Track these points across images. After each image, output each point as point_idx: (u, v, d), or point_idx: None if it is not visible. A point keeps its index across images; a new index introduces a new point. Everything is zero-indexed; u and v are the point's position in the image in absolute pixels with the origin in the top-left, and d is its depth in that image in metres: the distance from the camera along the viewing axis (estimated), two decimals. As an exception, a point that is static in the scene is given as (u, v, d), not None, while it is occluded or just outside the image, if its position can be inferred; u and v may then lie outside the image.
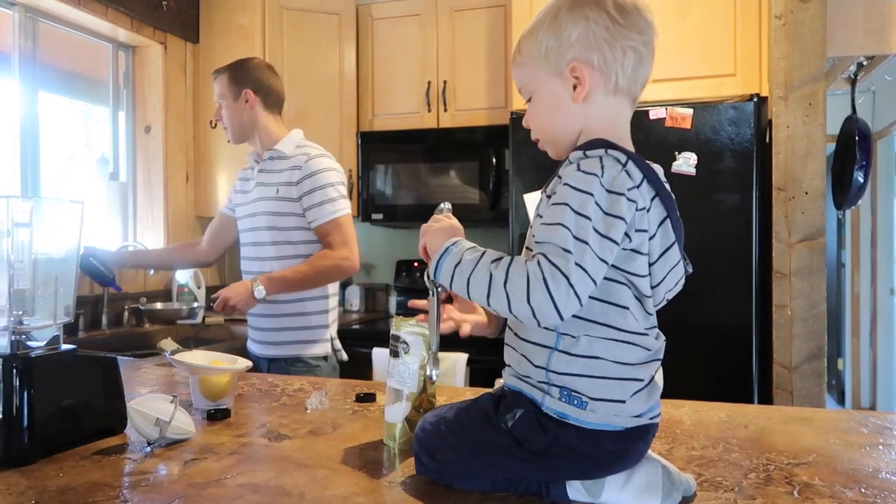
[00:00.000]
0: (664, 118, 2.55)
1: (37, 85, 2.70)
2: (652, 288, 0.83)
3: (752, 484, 0.91)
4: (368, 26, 3.37)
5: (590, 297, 0.77)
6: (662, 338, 0.86)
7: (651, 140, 2.56)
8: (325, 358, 2.11)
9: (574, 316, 0.78)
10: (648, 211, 0.79)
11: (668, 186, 0.84)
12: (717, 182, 2.51)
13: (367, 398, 1.39)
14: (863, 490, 0.89)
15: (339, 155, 3.33)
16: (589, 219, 0.75)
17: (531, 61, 0.88)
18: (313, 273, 1.99)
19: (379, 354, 2.75)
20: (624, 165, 0.79)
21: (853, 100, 2.77)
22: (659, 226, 0.81)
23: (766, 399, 2.46)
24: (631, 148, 0.86)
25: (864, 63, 2.66)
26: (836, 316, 5.13)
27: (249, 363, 1.36)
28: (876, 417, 1.27)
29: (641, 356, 0.82)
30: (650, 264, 0.81)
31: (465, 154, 3.16)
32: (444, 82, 3.23)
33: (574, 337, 0.80)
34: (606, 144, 0.81)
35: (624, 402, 0.81)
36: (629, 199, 0.77)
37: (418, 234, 0.94)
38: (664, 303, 0.87)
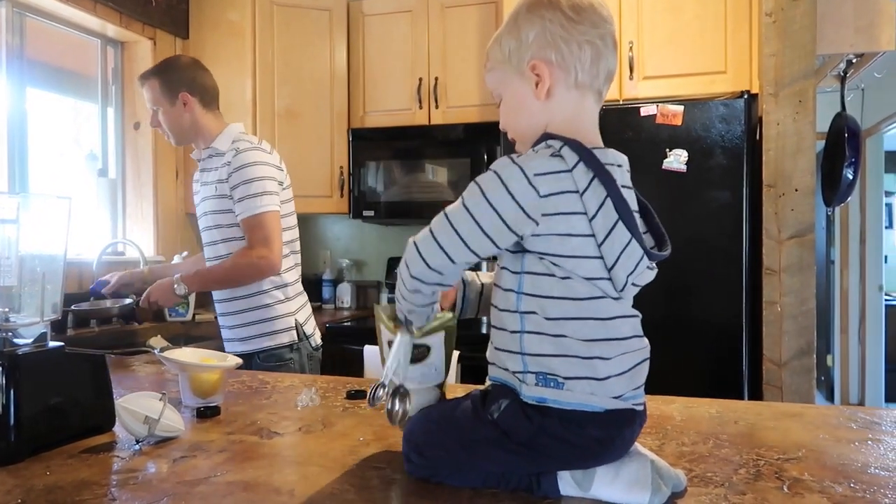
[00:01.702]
0: (655, 115, 2.55)
1: (24, 81, 2.67)
2: (609, 270, 0.83)
3: (742, 479, 0.91)
4: (359, 22, 3.36)
5: (539, 274, 0.83)
6: (635, 312, 0.87)
7: (642, 137, 2.57)
8: (293, 348, 2.07)
9: (529, 294, 0.84)
10: (583, 193, 0.81)
11: (619, 171, 0.86)
12: (708, 179, 2.52)
13: (357, 395, 1.39)
14: (852, 485, 0.89)
15: (330, 152, 3.33)
16: (483, 193, 0.82)
17: (497, 65, 0.93)
18: (230, 270, 1.97)
19: (370, 352, 2.74)
20: (558, 151, 0.83)
21: (843, 97, 2.79)
22: (599, 207, 0.82)
23: (756, 395, 2.47)
24: (597, 140, 0.90)
25: (854, 60, 2.67)
26: (825, 312, 5.17)
27: (239, 360, 1.36)
28: (865, 413, 1.28)
29: (605, 333, 0.83)
30: (599, 245, 0.82)
31: (456, 151, 3.16)
32: (436, 79, 3.22)
33: (535, 315, 0.84)
34: (552, 136, 0.86)
35: (598, 379, 0.82)
36: (531, 184, 0.80)
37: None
38: (632, 288, 0.87)
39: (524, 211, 0.80)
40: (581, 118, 0.90)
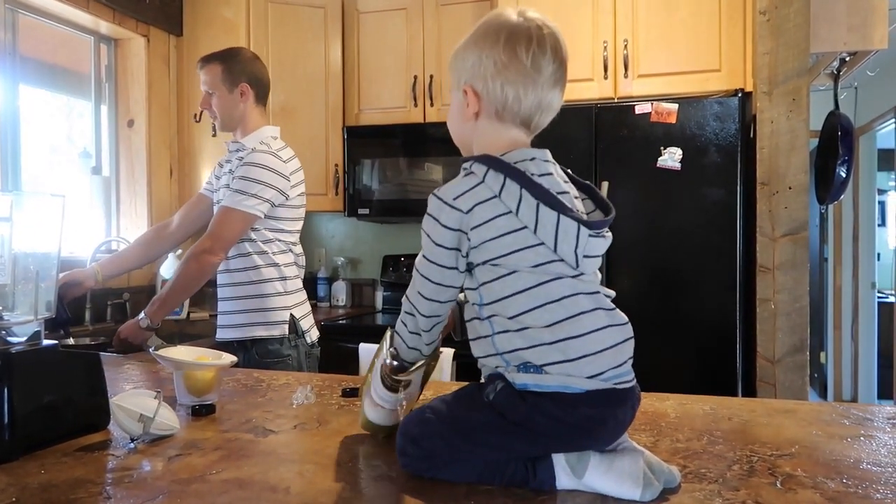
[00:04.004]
0: (650, 113, 2.56)
1: (17, 78, 2.66)
2: (555, 251, 0.88)
3: (735, 475, 0.91)
4: (354, 20, 3.36)
5: (490, 282, 0.90)
6: (595, 288, 0.91)
7: (636, 135, 2.57)
8: (291, 344, 2.08)
9: (488, 303, 0.91)
10: (500, 195, 0.89)
11: (532, 164, 0.92)
12: (702, 177, 2.53)
13: (353, 393, 1.39)
14: (844, 480, 0.90)
15: (325, 149, 3.33)
16: (428, 235, 0.93)
17: (450, 68, 1.02)
18: (180, 279, 1.98)
19: (366, 350, 2.73)
20: (470, 169, 0.92)
21: (836, 95, 2.80)
22: (519, 200, 0.88)
23: (750, 392, 2.48)
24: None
25: (847, 59, 2.68)
26: (818, 310, 5.19)
27: (234, 358, 1.36)
28: (857, 409, 1.29)
29: (564, 313, 0.88)
30: (534, 232, 0.88)
31: (451, 149, 3.09)
32: (431, 77, 3.22)
33: (498, 317, 0.90)
34: (466, 160, 0.94)
35: (570, 360, 0.86)
36: (453, 208, 0.90)
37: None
38: (588, 261, 0.90)
39: (459, 231, 0.90)
40: (503, 144, 0.95)
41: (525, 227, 0.88)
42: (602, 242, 0.92)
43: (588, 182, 0.98)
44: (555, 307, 0.88)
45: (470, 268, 0.93)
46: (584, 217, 0.92)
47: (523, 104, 0.95)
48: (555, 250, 0.88)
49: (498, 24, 0.95)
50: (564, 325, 0.87)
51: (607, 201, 0.96)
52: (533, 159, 0.93)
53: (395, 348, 1.02)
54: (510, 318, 0.89)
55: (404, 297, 0.98)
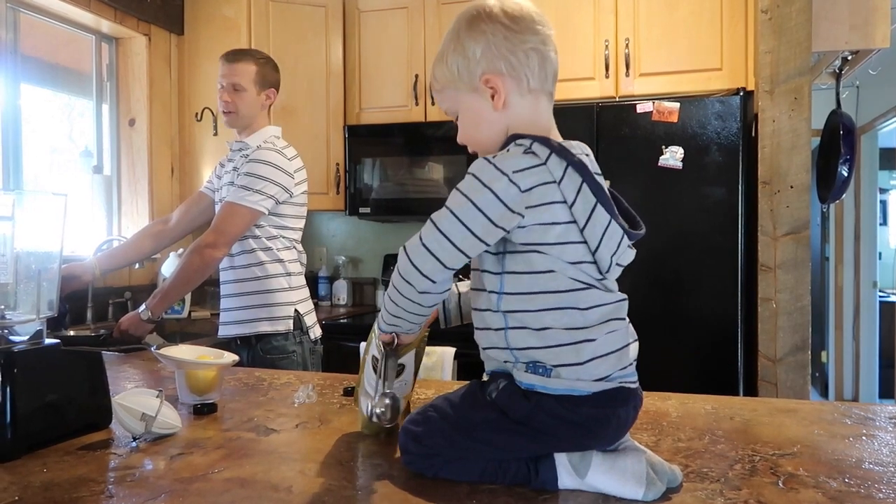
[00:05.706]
0: (651, 112, 2.56)
1: (18, 77, 2.66)
2: (593, 253, 0.87)
3: (737, 475, 0.91)
4: (355, 19, 3.35)
5: (517, 273, 0.87)
6: (618, 297, 0.90)
7: (638, 134, 2.57)
8: (291, 337, 2.09)
9: (510, 293, 0.87)
10: (560, 183, 0.85)
11: (587, 160, 0.90)
12: (704, 176, 2.53)
13: (354, 392, 1.39)
14: (846, 480, 0.90)
15: (326, 149, 3.32)
16: (467, 196, 0.85)
17: (447, 85, 0.96)
18: (183, 272, 1.99)
19: (367, 348, 2.73)
20: (529, 147, 0.86)
21: (838, 94, 2.80)
22: (577, 194, 0.85)
23: (751, 391, 2.48)
24: (558, 137, 0.94)
25: (849, 58, 2.68)
26: (819, 309, 5.18)
27: (236, 357, 1.36)
28: (859, 409, 1.29)
29: (584, 322, 0.86)
30: (581, 230, 0.86)
31: (452, 148, 3.12)
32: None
33: (518, 312, 0.87)
34: (520, 136, 0.89)
35: (581, 363, 0.85)
36: (512, 181, 0.83)
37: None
38: (616, 268, 0.90)
39: (509, 208, 0.84)
40: (539, 120, 0.94)
41: (574, 222, 0.85)
42: (631, 254, 0.92)
43: (614, 191, 0.96)
44: (578, 314, 0.86)
45: (503, 250, 0.88)
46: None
47: (548, 64, 0.92)
48: (594, 252, 0.86)
49: (482, 6, 0.93)
50: (584, 330, 0.86)
51: (634, 214, 0.94)
52: (588, 155, 0.92)
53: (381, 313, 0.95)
54: (531, 313, 0.86)
55: (401, 248, 0.88)
